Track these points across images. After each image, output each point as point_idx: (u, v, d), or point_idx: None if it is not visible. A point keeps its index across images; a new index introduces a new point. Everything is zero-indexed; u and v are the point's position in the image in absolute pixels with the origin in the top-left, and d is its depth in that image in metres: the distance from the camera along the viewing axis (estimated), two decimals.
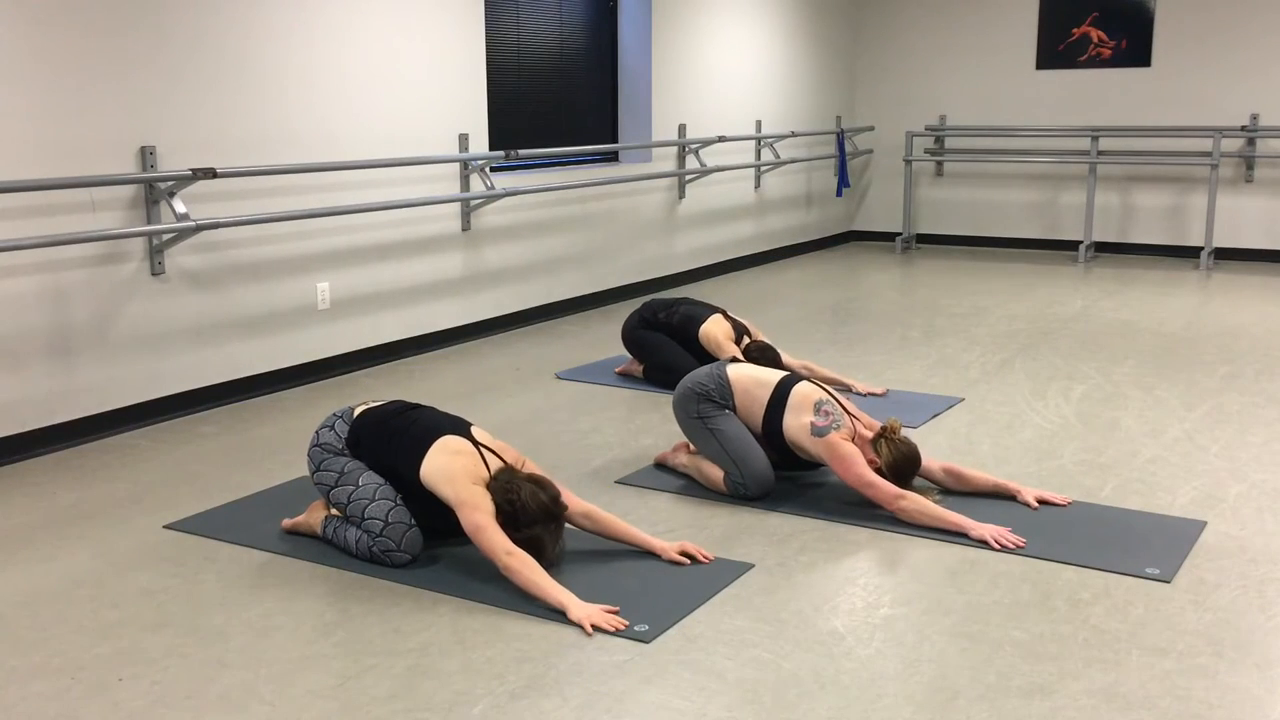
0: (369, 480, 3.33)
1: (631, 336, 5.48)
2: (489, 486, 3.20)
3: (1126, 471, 4.14)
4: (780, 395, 3.82)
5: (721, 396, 3.88)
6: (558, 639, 2.87)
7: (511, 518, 3.14)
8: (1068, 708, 2.55)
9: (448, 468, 3.21)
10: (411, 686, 2.65)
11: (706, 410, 3.88)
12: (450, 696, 2.61)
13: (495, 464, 3.28)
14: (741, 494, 3.83)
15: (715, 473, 3.88)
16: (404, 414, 3.43)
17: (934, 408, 4.93)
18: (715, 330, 5.23)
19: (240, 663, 2.77)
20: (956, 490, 3.84)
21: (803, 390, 3.81)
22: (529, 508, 3.14)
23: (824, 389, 3.85)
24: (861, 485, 3.63)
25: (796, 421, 3.76)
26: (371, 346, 5.85)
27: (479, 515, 3.11)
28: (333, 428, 3.48)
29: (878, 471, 3.68)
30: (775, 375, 3.91)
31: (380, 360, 5.88)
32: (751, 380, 3.90)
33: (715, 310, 5.36)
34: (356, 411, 3.51)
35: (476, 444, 3.31)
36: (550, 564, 3.18)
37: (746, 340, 5.24)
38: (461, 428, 3.36)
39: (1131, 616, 2.99)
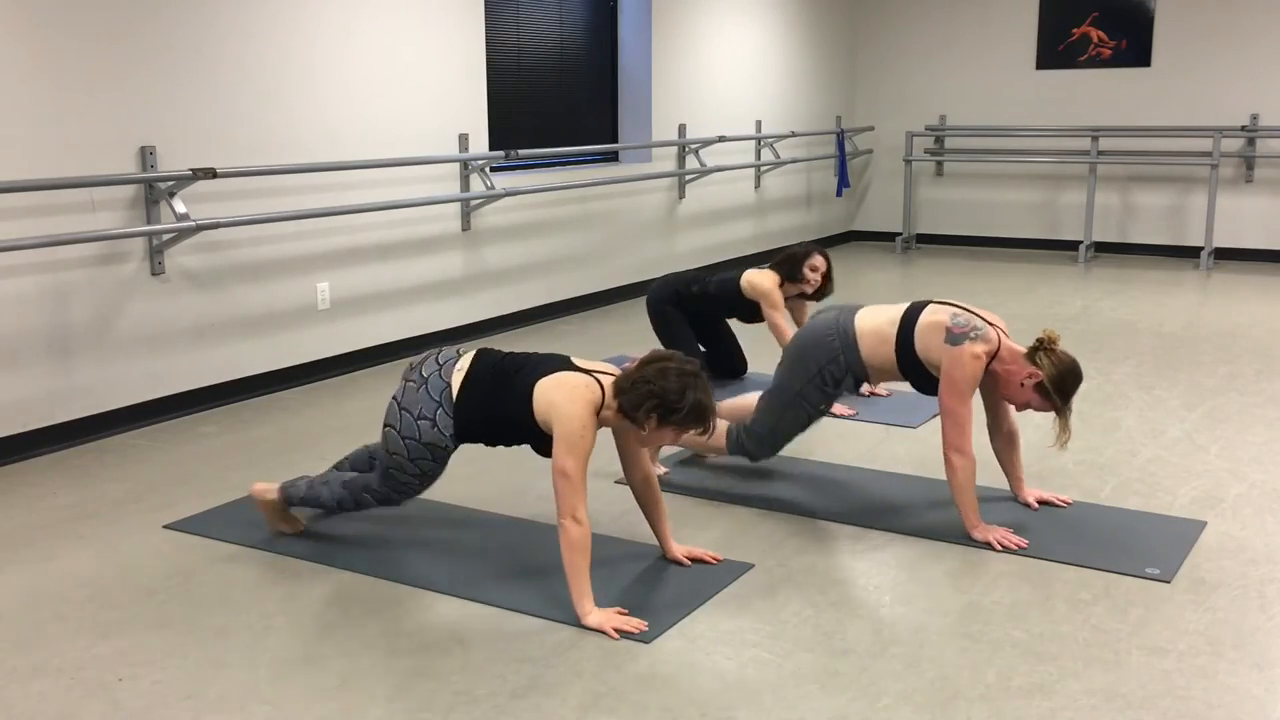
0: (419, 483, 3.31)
1: (660, 310, 5.37)
2: (616, 392, 3.01)
3: (1126, 471, 4.14)
4: (909, 322, 3.59)
5: (842, 385, 3.73)
6: (558, 639, 2.87)
7: (663, 407, 2.95)
8: (1068, 708, 2.55)
9: (558, 401, 3.00)
10: (411, 686, 2.65)
11: (813, 390, 3.70)
12: (450, 696, 2.61)
13: (608, 382, 3.07)
14: (740, 450, 3.80)
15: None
16: (505, 370, 3.20)
17: (934, 408, 4.92)
18: (759, 278, 5.08)
19: (240, 663, 2.77)
20: (999, 456, 3.76)
21: (932, 310, 3.58)
22: (670, 388, 2.94)
23: (956, 305, 3.59)
24: (945, 413, 3.46)
25: (928, 324, 3.52)
26: (371, 346, 5.85)
27: (570, 462, 2.92)
28: (435, 422, 3.20)
29: (1038, 386, 3.41)
30: (898, 312, 3.65)
31: (380, 360, 5.88)
32: (877, 339, 3.64)
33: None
34: (455, 392, 3.20)
35: (588, 371, 3.11)
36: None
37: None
38: (565, 363, 3.16)
39: (1131, 616, 2.99)
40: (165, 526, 3.65)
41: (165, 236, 4.75)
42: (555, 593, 3.04)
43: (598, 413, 3.01)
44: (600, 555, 3.33)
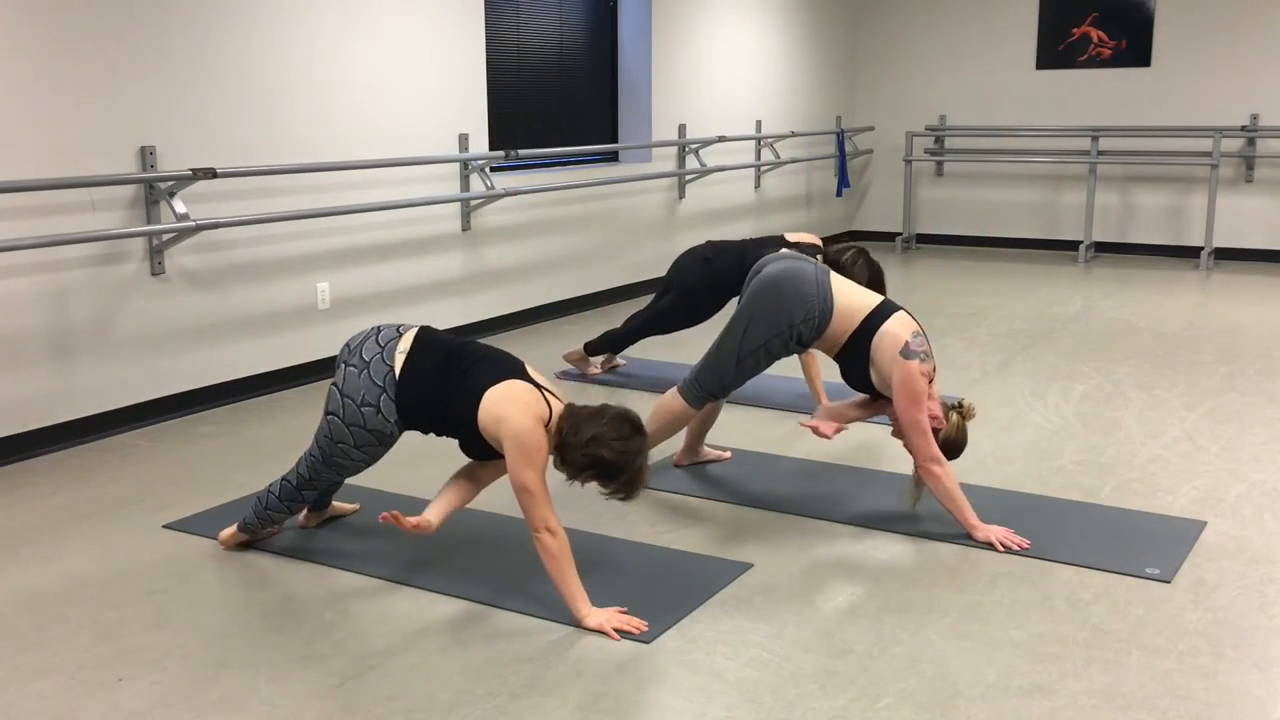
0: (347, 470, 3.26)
1: (725, 287, 5.15)
2: (558, 429, 2.97)
3: (1126, 471, 4.14)
4: (877, 316, 3.58)
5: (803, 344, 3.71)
6: (557, 639, 2.87)
7: (604, 476, 2.94)
8: (1068, 708, 2.55)
9: (509, 415, 2.95)
10: (411, 686, 2.65)
11: (779, 344, 3.65)
12: (450, 696, 2.61)
13: (556, 406, 3.02)
14: (695, 391, 3.78)
15: (669, 406, 3.84)
16: (454, 363, 3.11)
17: None
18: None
19: (240, 663, 2.77)
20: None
21: (901, 320, 3.57)
22: (614, 461, 2.91)
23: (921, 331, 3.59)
24: (910, 425, 3.46)
25: (892, 330, 3.52)
26: None
27: (530, 475, 2.89)
28: (379, 409, 3.11)
29: (934, 431, 3.48)
30: (870, 302, 3.64)
31: None
32: (845, 317, 3.61)
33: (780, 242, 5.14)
34: (398, 374, 3.10)
35: (538, 386, 3.04)
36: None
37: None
38: (518, 369, 3.08)
39: (1131, 616, 2.99)
40: (165, 526, 3.65)
41: (165, 236, 4.75)
42: (555, 593, 3.03)
43: (545, 426, 2.97)
44: (600, 555, 3.33)
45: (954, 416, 3.55)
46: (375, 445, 3.19)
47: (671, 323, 5.37)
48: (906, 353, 3.48)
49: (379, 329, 3.22)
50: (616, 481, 2.95)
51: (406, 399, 3.10)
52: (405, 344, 3.14)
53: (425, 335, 3.18)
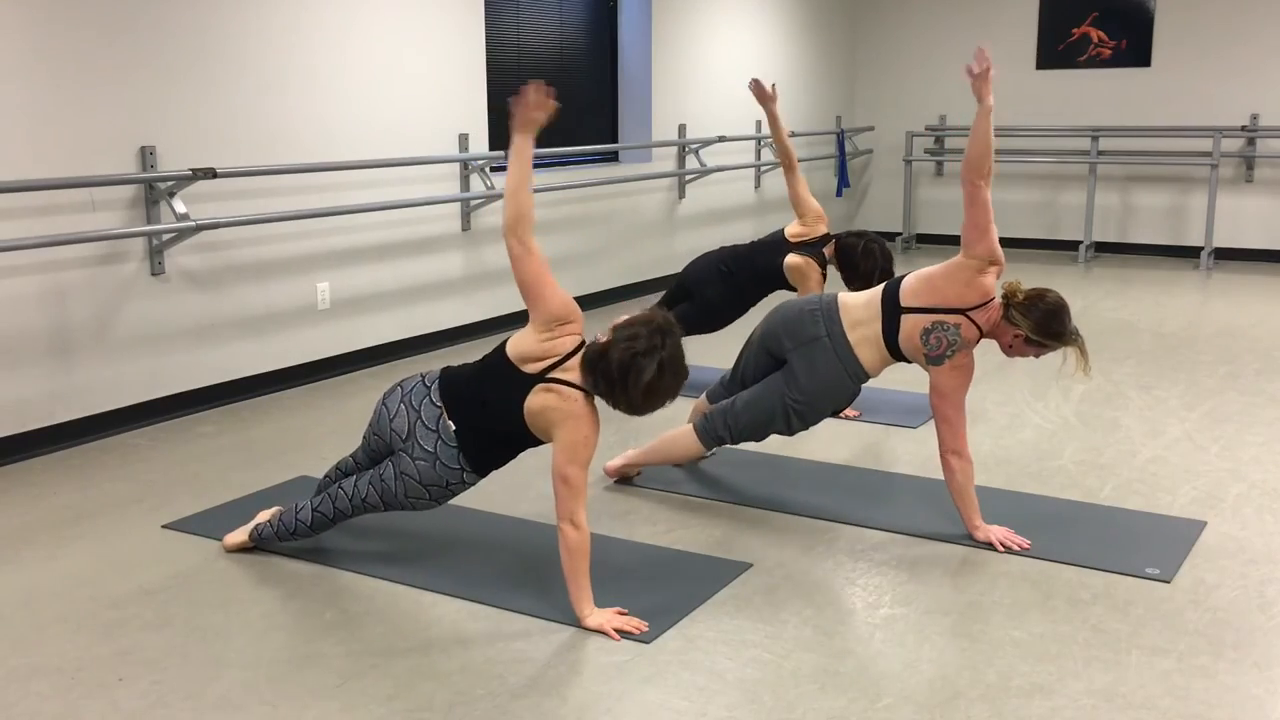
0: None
1: (709, 288, 5.27)
2: (584, 374, 2.94)
3: (1126, 471, 4.14)
4: (890, 332, 3.55)
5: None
6: (558, 639, 2.87)
7: (629, 403, 2.92)
8: (1068, 708, 2.55)
9: (556, 422, 2.95)
10: (411, 686, 2.65)
11: (817, 420, 3.74)
12: (450, 696, 2.61)
13: (572, 374, 2.96)
14: (714, 439, 3.78)
15: (678, 445, 3.84)
16: (477, 396, 3.07)
17: None
18: (804, 270, 5.05)
19: (240, 663, 2.77)
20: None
21: (909, 323, 3.50)
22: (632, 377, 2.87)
23: (926, 314, 3.47)
24: (940, 418, 3.47)
25: (910, 340, 3.51)
26: (371, 346, 5.85)
27: (573, 470, 2.89)
28: (464, 482, 3.13)
29: (1027, 341, 3.39)
30: (876, 317, 3.56)
31: (380, 360, 5.88)
32: (879, 359, 3.62)
33: (787, 246, 5.21)
34: (459, 446, 3.07)
35: (542, 377, 2.96)
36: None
37: (829, 247, 5.10)
38: (509, 377, 2.99)
39: (1131, 616, 2.99)
40: (165, 526, 3.65)
41: (165, 236, 4.75)
42: (555, 593, 3.04)
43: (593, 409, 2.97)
44: (600, 556, 3.32)
45: (1015, 315, 3.37)
46: (449, 495, 3.18)
47: (688, 331, 5.34)
48: (932, 361, 3.48)
49: (409, 400, 3.11)
50: (639, 396, 2.91)
51: (479, 456, 3.08)
52: (446, 415, 3.06)
53: (447, 383, 3.11)
